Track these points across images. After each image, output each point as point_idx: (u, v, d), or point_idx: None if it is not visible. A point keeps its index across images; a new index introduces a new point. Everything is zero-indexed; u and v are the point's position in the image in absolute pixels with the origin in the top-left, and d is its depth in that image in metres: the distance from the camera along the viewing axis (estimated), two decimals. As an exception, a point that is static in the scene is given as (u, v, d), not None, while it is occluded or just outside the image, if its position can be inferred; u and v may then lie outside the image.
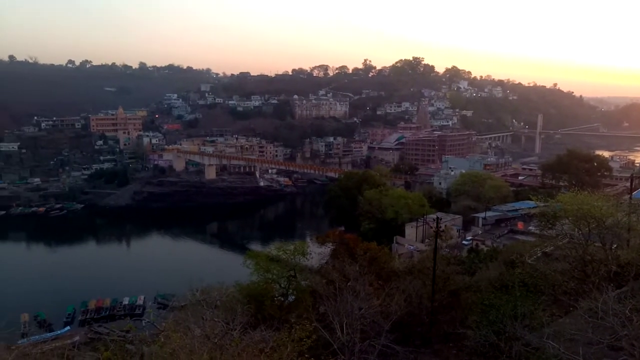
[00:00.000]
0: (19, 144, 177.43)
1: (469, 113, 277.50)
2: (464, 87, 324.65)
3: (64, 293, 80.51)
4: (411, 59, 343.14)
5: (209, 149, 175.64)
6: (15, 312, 63.30)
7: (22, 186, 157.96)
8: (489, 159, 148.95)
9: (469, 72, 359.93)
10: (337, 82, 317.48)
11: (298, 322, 19.62)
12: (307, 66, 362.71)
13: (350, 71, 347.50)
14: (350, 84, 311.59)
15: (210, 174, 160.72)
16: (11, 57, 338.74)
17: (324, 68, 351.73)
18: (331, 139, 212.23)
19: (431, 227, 61.30)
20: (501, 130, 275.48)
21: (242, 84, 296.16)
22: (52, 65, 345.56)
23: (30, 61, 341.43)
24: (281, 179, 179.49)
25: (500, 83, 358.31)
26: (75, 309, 75.29)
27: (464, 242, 66.85)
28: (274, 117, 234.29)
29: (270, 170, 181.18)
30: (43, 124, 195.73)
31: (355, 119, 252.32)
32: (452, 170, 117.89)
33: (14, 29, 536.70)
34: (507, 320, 19.10)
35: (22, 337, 56.63)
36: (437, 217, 37.58)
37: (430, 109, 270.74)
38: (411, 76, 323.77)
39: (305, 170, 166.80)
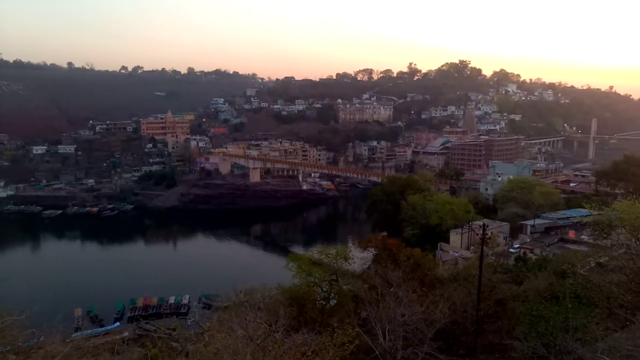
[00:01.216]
0: (75, 146, 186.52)
1: (517, 117, 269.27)
2: (512, 91, 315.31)
3: (114, 290, 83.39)
4: (457, 62, 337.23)
5: (254, 153, 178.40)
6: (69, 307, 65.77)
7: (77, 187, 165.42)
8: (538, 165, 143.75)
9: (518, 75, 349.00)
10: (381, 85, 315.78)
11: (340, 326, 19.57)
12: (351, 70, 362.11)
13: (395, 75, 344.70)
14: (394, 87, 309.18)
15: (255, 177, 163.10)
16: (70, 64, 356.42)
17: (368, 72, 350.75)
18: (374, 143, 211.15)
19: (477, 234, 59.71)
20: (552, 135, 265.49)
21: (287, 89, 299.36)
22: (107, 71, 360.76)
23: (87, 68, 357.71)
24: (324, 182, 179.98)
25: (552, 86, 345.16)
26: (124, 306, 77.72)
27: (511, 250, 64.76)
28: (317, 121, 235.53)
29: (313, 174, 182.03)
30: (97, 128, 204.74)
31: (399, 123, 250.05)
32: (499, 176, 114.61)
33: (72, 37, 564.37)
34: (557, 332, 18.35)
35: (75, 331, 59.26)
36: (484, 224, 36.48)
37: (477, 112, 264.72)
38: (457, 79, 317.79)
39: (348, 174, 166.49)
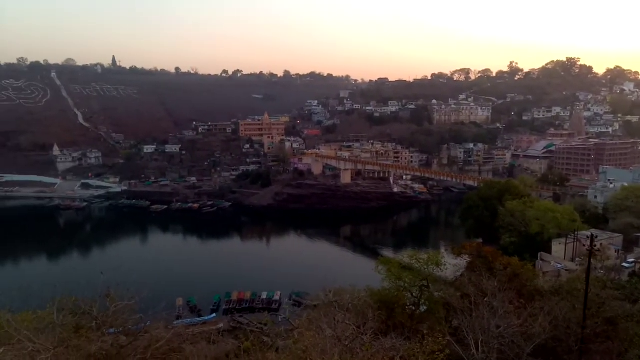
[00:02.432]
0: (180, 146, 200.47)
1: (634, 119, 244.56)
2: (629, 90, 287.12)
3: (212, 283, 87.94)
4: (564, 60, 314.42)
5: (345, 154, 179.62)
6: (172, 296, 70.40)
7: (181, 184, 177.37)
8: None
9: (636, 73, 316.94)
10: (479, 86, 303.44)
11: (430, 333, 19.01)
12: (447, 71, 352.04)
13: (494, 74, 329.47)
14: (493, 87, 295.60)
15: (346, 178, 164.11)
16: (177, 69, 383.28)
17: (466, 72, 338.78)
18: (471, 145, 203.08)
19: (583, 245, 55.15)
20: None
21: (380, 90, 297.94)
22: (210, 75, 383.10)
23: (192, 72, 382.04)
24: (416, 185, 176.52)
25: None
26: (220, 299, 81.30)
27: (624, 264, 58.89)
28: (410, 122, 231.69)
29: (404, 177, 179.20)
30: (200, 129, 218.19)
31: (498, 125, 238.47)
32: (611, 183, 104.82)
33: (180, 45, 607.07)
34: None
35: (176, 318, 63.40)
36: (592, 234, 33.43)
37: (586, 114, 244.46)
38: (564, 78, 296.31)
39: (442, 178, 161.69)
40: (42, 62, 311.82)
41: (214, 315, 75.57)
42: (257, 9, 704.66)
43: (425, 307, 33.73)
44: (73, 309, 27.40)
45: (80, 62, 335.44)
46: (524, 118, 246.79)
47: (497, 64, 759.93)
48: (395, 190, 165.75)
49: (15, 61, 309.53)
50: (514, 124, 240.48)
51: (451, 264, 42.23)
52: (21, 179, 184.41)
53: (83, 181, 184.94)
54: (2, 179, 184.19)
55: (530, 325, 22.34)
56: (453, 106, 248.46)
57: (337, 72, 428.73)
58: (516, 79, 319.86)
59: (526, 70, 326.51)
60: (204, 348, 28.97)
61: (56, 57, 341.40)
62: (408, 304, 33.83)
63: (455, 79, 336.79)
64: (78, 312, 27.20)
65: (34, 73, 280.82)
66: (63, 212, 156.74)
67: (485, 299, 24.60)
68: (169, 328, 28.83)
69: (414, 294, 34.25)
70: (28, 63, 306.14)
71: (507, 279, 29.79)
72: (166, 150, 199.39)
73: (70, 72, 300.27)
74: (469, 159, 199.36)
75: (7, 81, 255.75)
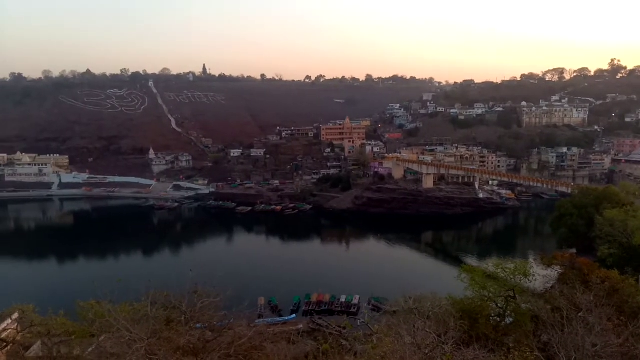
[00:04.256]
0: (264, 150, 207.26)
1: None
2: None
3: (292, 283, 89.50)
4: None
5: (428, 158, 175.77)
6: (254, 295, 72.68)
7: (265, 187, 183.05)
8: None
9: None
10: (574, 86, 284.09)
11: (517, 347, 18.03)
12: (538, 70, 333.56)
13: (592, 73, 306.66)
14: (590, 88, 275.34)
15: (428, 183, 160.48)
16: (262, 75, 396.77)
17: (559, 72, 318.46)
18: (564, 149, 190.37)
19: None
20: None
21: (465, 92, 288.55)
22: (293, 81, 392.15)
23: (276, 78, 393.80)
24: (503, 191, 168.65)
25: None
26: (300, 300, 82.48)
27: None
28: (497, 125, 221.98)
29: (491, 182, 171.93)
30: (283, 133, 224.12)
31: (595, 127, 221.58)
32: None
33: (265, 53, 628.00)
34: None
35: (258, 317, 65.32)
36: None
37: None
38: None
39: (531, 183, 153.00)
40: (141, 72, 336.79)
41: (294, 315, 76.76)
42: (339, 17, 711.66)
43: (511, 319, 32.12)
44: (165, 303, 29.26)
45: (174, 71, 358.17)
46: (627, 120, 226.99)
47: (595, 64, 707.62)
48: (481, 196, 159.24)
49: (119, 72, 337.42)
50: (615, 127, 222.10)
51: (540, 275, 39.91)
52: (121, 180, 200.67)
53: (175, 183, 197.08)
54: (105, 180, 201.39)
55: (632, 345, 20.46)
56: (544, 108, 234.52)
57: (421, 75, 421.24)
58: (618, 77, 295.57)
59: (630, 67, 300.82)
60: (284, 348, 29.61)
61: (154, 67, 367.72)
62: (492, 315, 32.38)
63: (547, 79, 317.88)
64: (169, 306, 29.02)
65: (134, 82, 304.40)
66: (157, 211, 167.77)
67: (580, 314, 22.92)
68: (251, 326, 29.83)
69: (499, 305, 32.73)
70: (129, 73, 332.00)
71: (605, 293, 27.55)
72: (251, 154, 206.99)
73: (165, 81, 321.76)
74: (562, 164, 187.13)
75: (111, 90, 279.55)
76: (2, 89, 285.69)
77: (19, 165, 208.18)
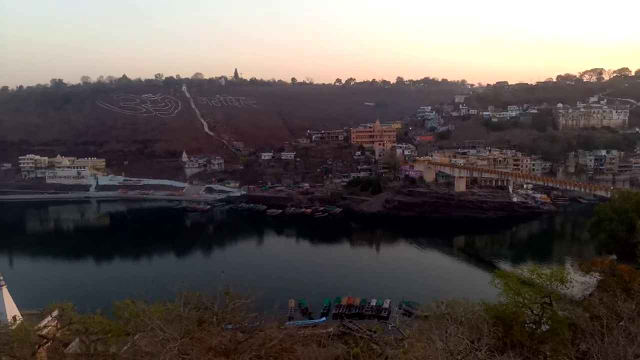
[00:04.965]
0: (294, 153, 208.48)
1: None
2: None
3: (322, 286, 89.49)
4: None
5: (460, 161, 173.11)
6: (284, 298, 72.78)
7: (295, 189, 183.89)
8: None
9: None
10: (613, 87, 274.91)
11: (554, 355, 17.52)
12: (575, 71, 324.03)
13: (633, 74, 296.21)
14: (631, 88, 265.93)
15: (460, 186, 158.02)
16: (293, 79, 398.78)
17: (597, 72, 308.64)
18: (603, 152, 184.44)
19: None
20: None
21: (498, 94, 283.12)
22: (323, 84, 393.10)
23: (307, 82, 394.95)
24: (537, 195, 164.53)
25: None
26: (330, 302, 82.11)
27: None
28: (532, 127, 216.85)
29: (525, 185, 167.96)
30: (313, 137, 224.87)
31: (637, 129, 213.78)
32: None
33: (296, 56, 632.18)
34: None
35: (288, 319, 65.48)
36: None
37: None
38: None
39: (568, 187, 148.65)
40: (174, 77, 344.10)
41: (324, 318, 76.54)
42: (369, 20, 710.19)
43: (547, 327, 31.22)
44: (197, 304, 29.70)
45: (207, 76, 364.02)
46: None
47: (636, 64, 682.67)
48: (515, 199, 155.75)
49: (153, 77, 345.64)
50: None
51: (578, 282, 38.72)
52: (155, 182, 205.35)
53: (207, 185, 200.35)
54: (139, 183, 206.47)
55: (677, 356, 19.53)
56: (582, 110, 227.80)
57: (452, 77, 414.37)
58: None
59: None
60: (314, 350, 29.62)
61: (187, 72, 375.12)
62: (528, 322, 31.56)
63: (585, 80, 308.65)
64: (201, 306, 29.44)
65: (168, 87, 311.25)
66: (189, 213, 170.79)
67: (621, 323, 22.11)
68: (282, 328, 29.99)
69: (534, 311, 31.88)
70: (163, 78, 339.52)
71: (648, 302, 26.46)
72: (282, 157, 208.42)
73: (197, 85, 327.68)
74: (601, 167, 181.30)
75: (146, 95, 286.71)
76: (44, 95, 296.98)
77: (59, 168, 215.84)
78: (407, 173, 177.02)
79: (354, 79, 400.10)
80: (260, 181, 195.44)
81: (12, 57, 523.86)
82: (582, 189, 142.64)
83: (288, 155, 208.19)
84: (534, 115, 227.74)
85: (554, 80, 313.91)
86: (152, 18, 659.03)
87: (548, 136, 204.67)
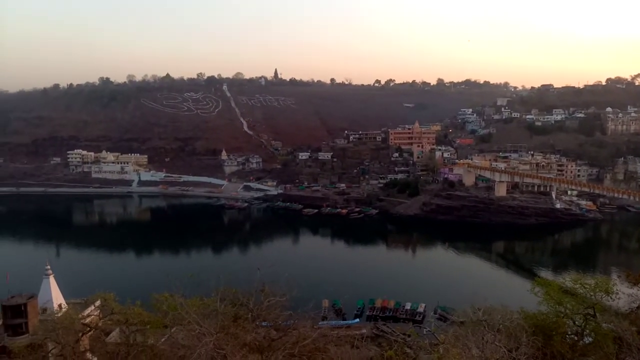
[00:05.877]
0: (332, 154, 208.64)
1: None
2: None
3: (356, 287, 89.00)
4: None
5: (501, 165, 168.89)
6: (318, 297, 72.89)
7: (331, 190, 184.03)
8: None
9: None
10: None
11: (596, 370, 16.81)
12: (626, 74, 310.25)
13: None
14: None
15: (500, 190, 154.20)
16: (332, 80, 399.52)
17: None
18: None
19: None
20: None
21: (543, 97, 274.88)
22: (362, 85, 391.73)
23: (346, 83, 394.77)
24: (582, 202, 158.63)
25: None
26: (364, 304, 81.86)
27: None
28: (578, 132, 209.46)
29: (569, 192, 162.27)
30: (351, 137, 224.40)
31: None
32: None
33: (336, 57, 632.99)
34: None
35: (322, 319, 65.52)
36: None
37: None
38: None
39: (616, 195, 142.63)
40: (216, 76, 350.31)
41: (358, 320, 76.38)
42: (410, 21, 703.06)
43: (590, 339, 30.09)
44: (233, 300, 30.17)
45: (247, 76, 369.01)
46: None
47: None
48: (558, 206, 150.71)
49: (195, 76, 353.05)
50: None
51: (625, 294, 37.05)
52: (195, 179, 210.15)
53: (245, 184, 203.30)
54: (180, 179, 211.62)
55: None
56: (633, 114, 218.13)
57: (495, 79, 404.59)
58: None
59: None
60: (347, 351, 29.59)
61: (228, 72, 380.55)
62: (569, 333, 30.51)
63: (637, 83, 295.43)
64: (237, 303, 29.88)
65: (209, 86, 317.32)
66: (227, 210, 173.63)
67: (670, 339, 21.01)
68: (315, 328, 30.05)
69: (576, 322, 30.78)
70: (205, 77, 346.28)
71: (701, 318, 25.10)
72: (319, 157, 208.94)
73: (238, 85, 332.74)
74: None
75: (188, 94, 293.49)
76: (92, 93, 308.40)
77: (104, 163, 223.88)
78: (446, 176, 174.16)
79: (394, 80, 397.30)
80: (297, 181, 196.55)
81: (64, 57, 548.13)
82: (632, 197, 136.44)
83: (325, 156, 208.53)
84: (580, 120, 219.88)
85: (604, 83, 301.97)
86: (196, 18, 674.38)
87: (595, 141, 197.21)
